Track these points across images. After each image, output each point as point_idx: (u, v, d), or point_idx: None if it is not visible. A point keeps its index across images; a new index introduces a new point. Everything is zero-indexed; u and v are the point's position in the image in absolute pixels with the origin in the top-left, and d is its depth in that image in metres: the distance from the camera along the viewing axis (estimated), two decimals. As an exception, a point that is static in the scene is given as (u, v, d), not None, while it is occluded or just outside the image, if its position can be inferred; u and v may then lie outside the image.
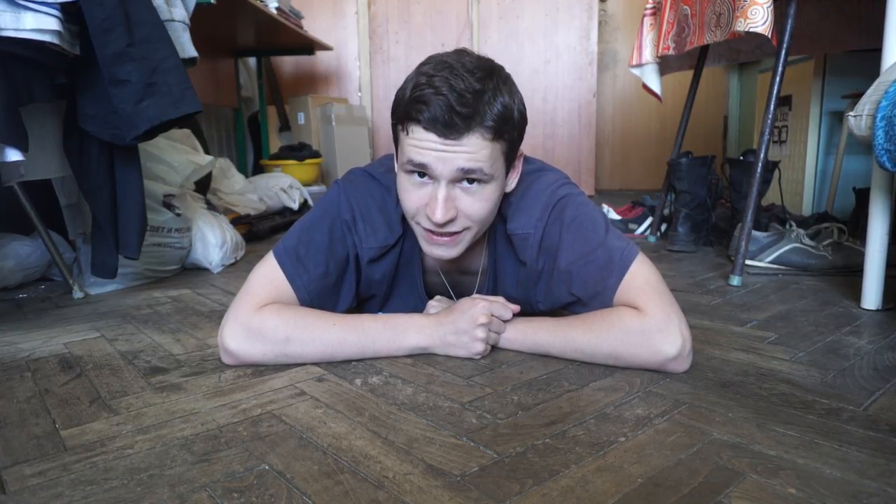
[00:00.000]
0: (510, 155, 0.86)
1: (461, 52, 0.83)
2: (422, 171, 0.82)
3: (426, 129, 0.79)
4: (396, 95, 0.84)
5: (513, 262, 0.97)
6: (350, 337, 0.88)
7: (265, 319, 0.86)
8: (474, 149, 0.80)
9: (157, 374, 0.87)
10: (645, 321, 0.82)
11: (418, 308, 1.01)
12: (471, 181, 0.83)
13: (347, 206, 0.94)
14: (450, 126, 0.78)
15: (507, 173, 0.88)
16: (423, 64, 0.83)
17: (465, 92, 0.77)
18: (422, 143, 0.80)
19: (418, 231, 0.89)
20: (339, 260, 0.94)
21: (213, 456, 0.62)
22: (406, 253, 0.99)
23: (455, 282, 1.04)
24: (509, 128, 0.82)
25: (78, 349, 0.99)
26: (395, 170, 0.90)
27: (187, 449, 0.64)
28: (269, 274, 0.91)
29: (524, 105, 0.86)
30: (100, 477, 0.59)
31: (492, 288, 1.01)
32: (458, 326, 0.88)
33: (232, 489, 0.56)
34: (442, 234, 0.86)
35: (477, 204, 0.85)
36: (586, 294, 0.89)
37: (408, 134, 0.81)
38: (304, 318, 0.88)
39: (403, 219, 0.94)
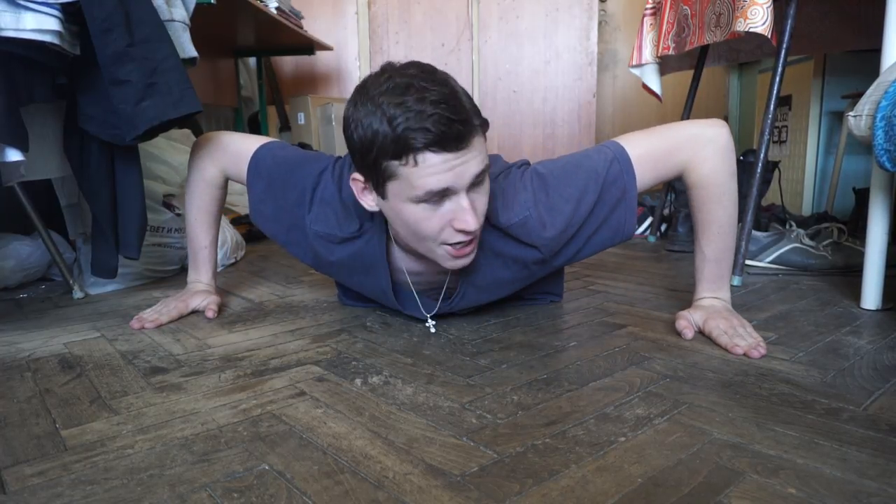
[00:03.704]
0: None
1: (397, 68, 0.80)
2: (441, 195, 0.81)
3: (437, 151, 0.77)
4: (367, 137, 0.79)
5: (498, 259, 0.98)
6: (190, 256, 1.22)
7: (204, 168, 1.16)
8: (478, 150, 0.80)
9: (157, 374, 0.87)
10: (687, 149, 0.95)
11: (386, 292, 1.05)
12: (478, 182, 0.83)
13: (315, 183, 1.00)
14: (458, 137, 0.77)
15: None
16: (375, 97, 0.78)
17: (448, 99, 0.76)
18: (437, 167, 0.78)
19: (440, 252, 0.88)
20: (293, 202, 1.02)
21: (213, 456, 0.63)
22: (367, 256, 1.01)
23: (422, 280, 1.05)
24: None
25: (78, 349, 0.99)
26: (382, 206, 0.87)
27: (187, 449, 0.64)
28: (246, 148, 1.09)
29: None
30: (100, 477, 0.59)
31: (462, 287, 1.02)
32: None
33: (232, 489, 0.56)
34: (467, 244, 0.87)
35: (483, 198, 0.86)
36: (617, 204, 0.96)
37: (416, 164, 0.77)
38: (195, 217, 1.20)
39: (356, 235, 0.99)
